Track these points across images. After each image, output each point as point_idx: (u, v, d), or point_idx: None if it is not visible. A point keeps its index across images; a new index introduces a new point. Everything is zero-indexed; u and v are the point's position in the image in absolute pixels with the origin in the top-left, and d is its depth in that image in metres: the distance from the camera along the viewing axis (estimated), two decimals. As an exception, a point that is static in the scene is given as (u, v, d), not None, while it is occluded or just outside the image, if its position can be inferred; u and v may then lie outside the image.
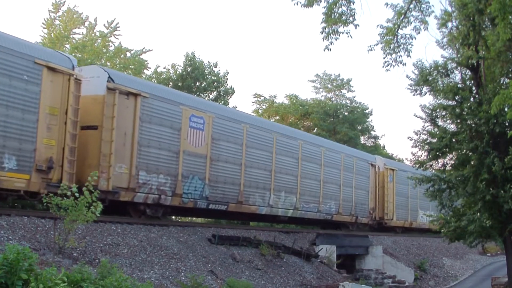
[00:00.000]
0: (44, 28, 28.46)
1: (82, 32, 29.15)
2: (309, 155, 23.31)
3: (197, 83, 34.13)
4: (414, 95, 17.80)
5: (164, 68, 34.52)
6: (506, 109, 13.04)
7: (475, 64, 16.19)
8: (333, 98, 47.80)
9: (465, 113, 16.02)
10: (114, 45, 29.58)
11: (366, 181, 27.77)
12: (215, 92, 35.18)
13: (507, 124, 15.50)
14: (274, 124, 24.77)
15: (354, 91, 61.84)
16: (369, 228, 28.84)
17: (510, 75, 16.27)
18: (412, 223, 31.66)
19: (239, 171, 19.29)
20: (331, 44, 12.91)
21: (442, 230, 17.62)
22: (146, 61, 31.37)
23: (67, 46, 27.84)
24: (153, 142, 16.29)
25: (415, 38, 14.52)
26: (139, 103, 15.89)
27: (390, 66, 14.58)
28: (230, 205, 18.94)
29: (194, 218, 26.25)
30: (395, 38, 14.34)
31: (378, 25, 14.62)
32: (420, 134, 17.67)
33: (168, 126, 16.75)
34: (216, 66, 35.73)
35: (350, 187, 26.27)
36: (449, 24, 16.96)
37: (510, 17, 10.77)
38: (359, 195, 26.97)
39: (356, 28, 12.72)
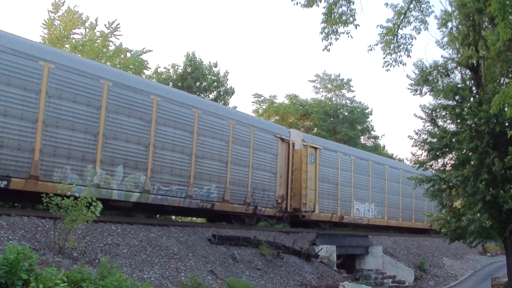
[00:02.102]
0: (44, 28, 28.53)
1: (81, 33, 29.24)
2: (172, 118, 17.02)
3: (197, 83, 34.16)
4: (414, 95, 17.84)
5: (164, 68, 34.59)
6: (506, 109, 13.05)
7: (475, 64, 16.22)
8: (333, 98, 47.84)
9: (465, 113, 16.04)
10: (115, 45, 29.64)
11: (273, 160, 21.27)
12: (215, 92, 35.21)
13: (507, 124, 15.52)
14: (105, 68, 16.48)
15: (354, 91, 62.08)
16: (278, 221, 23.40)
17: (510, 75, 16.28)
18: (343, 217, 25.48)
19: (31, 130, 13.41)
20: (330, 44, 12.94)
21: (442, 230, 17.65)
22: (146, 61, 31.41)
23: (67, 46, 27.89)
24: None
25: (415, 38, 14.58)
26: None
27: (390, 66, 14.62)
28: (14, 180, 13.07)
29: (194, 218, 26.25)
30: (395, 38, 14.36)
31: (378, 25, 14.67)
32: (420, 134, 17.70)
33: None
34: (216, 66, 35.80)
35: (245, 167, 19.81)
36: (449, 24, 16.99)
37: (510, 17, 10.77)
38: (260, 178, 20.51)
39: (356, 28, 12.74)
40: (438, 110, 17.31)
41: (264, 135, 20.98)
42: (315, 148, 24.01)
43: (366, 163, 27.91)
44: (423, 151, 17.72)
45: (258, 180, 20.44)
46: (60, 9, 28.66)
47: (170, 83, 33.42)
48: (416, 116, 17.79)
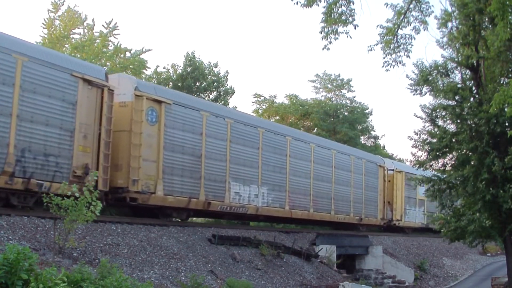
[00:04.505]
0: (44, 28, 28.51)
1: (80, 33, 29.22)
2: None
3: (197, 83, 34.15)
4: (414, 95, 17.88)
5: (164, 68, 34.57)
6: (506, 109, 13.06)
7: (475, 64, 16.23)
8: (333, 98, 47.80)
9: (465, 113, 16.05)
10: (114, 45, 29.61)
11: (66, 111, 14.27)
12: (215, 92, 35.20)
13: (507, 124, 15.53)
14: None
15: (354, 91, 61.89)
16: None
17: (510, 75, 16.28)
18: (210, 203, 18.09)
19: None
20: (330, 44, 13.00)
21: (442, 230, 17.65)
22: (146, 61, 31.38)
23: (67, 46, 27.88)
24: None
25: (415, 38, 14.61)
26: None
27: (390, 66, 14.65)
28: None
29: (194, 218, 26.21)
30: (395, 38, 14.39)
31: (378, 25, 14.71)
32: (420, 134, 17.71)
33: None
34: (216, 66, 35.77)
35: (3, 116, 12.72)
36: (449, 24, 17.01)
37: (509, 17, 10.78)
38: (38, 135, 13.53)
39: (355, 28, 12.80)
40: (438, 110, 17.32)
41: (47, 71, 13.92)
42: (160, 102, 16.75)
43: (253, 131, 20.42)
44: (423, 151, 17.74)
45: (33, 139, 13.46)
46: (60, 8, 28.64)
47: (170, 83, 33.40)
48: (416, 116, 17.82)
